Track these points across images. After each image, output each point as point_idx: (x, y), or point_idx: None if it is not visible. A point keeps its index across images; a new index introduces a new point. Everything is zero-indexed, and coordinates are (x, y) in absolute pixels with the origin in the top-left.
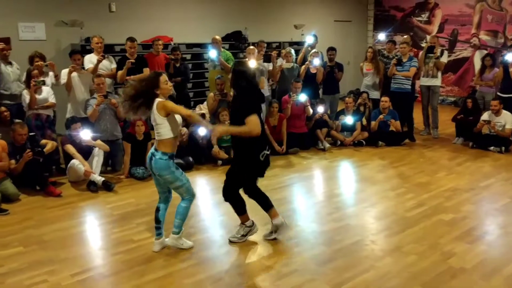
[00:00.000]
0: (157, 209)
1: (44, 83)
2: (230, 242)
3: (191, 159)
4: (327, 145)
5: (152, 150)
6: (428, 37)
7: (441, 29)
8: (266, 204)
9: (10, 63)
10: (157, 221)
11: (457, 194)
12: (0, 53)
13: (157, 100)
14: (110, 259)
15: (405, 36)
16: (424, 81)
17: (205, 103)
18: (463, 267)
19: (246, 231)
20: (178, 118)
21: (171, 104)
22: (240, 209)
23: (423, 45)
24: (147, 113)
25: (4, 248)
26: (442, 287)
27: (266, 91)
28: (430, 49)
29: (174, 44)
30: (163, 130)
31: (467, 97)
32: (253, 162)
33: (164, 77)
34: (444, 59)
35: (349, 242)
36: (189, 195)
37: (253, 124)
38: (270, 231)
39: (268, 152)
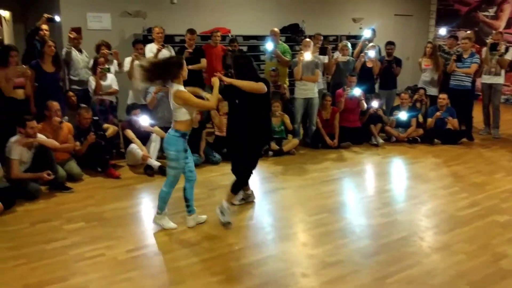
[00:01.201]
0: (184, 189)
1: (109, 70)
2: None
3: None
4: (381, 140)
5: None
6: (493, 32)
7: (509, 24)
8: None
9: (80, 51)
10: (186, 199)
11: None
12: (72, 41)
13: (177, 87)
14: (163, 239)
15: (468, 32)
16: (485, 79)
17: None
18: None
19: (245, 196)
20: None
21: (188, 96)
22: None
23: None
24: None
25: (69, 223)
26: None
27: (320, 84)
28: (494, 46)
29: (232, 36)
30: (179, 113)
31: None
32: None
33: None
34: (509, 56)
35: (396, 237)
36: (172, 182)
37: (262, 85)
38: (241, 198)
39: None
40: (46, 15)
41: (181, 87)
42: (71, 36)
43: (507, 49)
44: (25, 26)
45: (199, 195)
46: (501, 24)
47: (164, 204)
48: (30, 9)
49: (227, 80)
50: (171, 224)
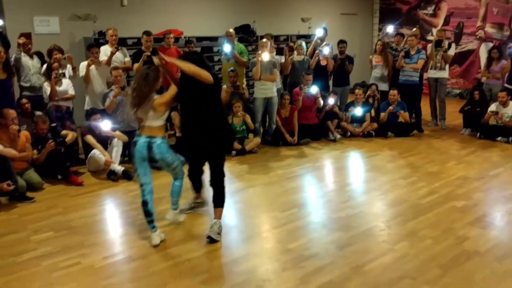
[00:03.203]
0: (145, 203)
1: (64, 75)
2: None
3: None
4: (338, 136)
5: (145, 139)
6: (434, 30)
7: (446, 22)
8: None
9: (31, 56)
10: (149, 214)
11: (468, 182)
12: (22, 47)
13: (155, 96)
14: (137, 243)
15: (414, 29)
16: (432, 73)
17: None
18: (477, 250)
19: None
20: None
21: (166, 97)
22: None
23: (429, 38)
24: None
25: (36, 233)
26: (459, 269)
27: (278, 83)
28: (438, 43)
29: (186, 37)
30: (160, 120)
31: (474, 88)
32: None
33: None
34: (452, 51)
35: (365, 227)
36: (182, 174)
37: (208, 74)
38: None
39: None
40: None
41: (157, 96)
42: (20, 41)
43: (450, 45)
44: None
45: (157, 200)
46: (439, 21)
47: (179, 198)
48: None
49: (168, 59)
50: (183, 216)
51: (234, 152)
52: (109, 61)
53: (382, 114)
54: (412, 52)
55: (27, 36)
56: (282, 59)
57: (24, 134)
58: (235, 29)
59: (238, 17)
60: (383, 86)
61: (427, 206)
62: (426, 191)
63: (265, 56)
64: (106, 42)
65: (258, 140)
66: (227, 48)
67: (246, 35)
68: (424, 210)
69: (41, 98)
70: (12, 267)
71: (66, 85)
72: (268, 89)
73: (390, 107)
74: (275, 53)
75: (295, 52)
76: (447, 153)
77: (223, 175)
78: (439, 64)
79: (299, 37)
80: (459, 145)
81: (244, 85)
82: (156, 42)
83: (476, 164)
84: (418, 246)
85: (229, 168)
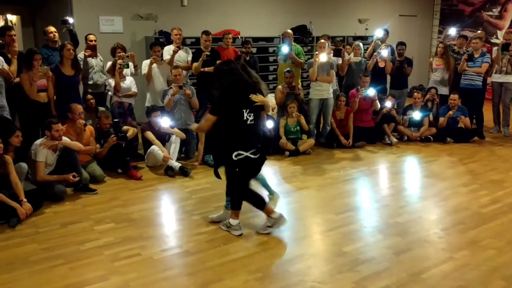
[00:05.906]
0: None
1: (127, 66)
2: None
3: None
4: (394, 139)
5: None
6: (498, 32)
7: None
8: (258, 203)
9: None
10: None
11: None
12: (89, 57)
13: None
14: (194, 238)
15: (479, 31)
16: (496, 78)
17: (273, 95)
18: None
19: (272, 222)
20: None
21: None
22: (257, 203)
23: (493, 41)
24: None
25: (98, 224)
26: None
27: (334, 84)
28: (506, 47)
29: (242, 37)
30: None
31: None
32: (228, 161)
33: None
34: None
35: (424, 234)
36: None
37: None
38: (266, 225)
39: (246, 154)
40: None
41: None
42: (86, 54)
43: None
44: (34, 30)
45: (214, 197)
46: (505, 23)
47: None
48: (39, 13)
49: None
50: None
51: (287, 153)
52: (171, 60)
53: (442, 119)
54: (476, 55)
55: (93, 48)
56: (339, 60)
57: (89, 128)
58: (291, 29)
59: (294, 17)
60: (443, 90)
61: (489, 215)
62: (489, 199)
63: (323, 57)
64: (167, 41)
65: (312, 141)
66: (285, 49)
67: (302, 35)
68: (487, 219)
69: (102, 95)
70: (77, 254)
71: (130, 82)
72: (324, 90)
73: (450, 112)
74: (332, 54)
75: (352, 53)
76: (511, 161)
77: (236, 187)
78: (504, 68)
79: (356, 38)
80: None
81: (299, 86)
82: (214, 42)
83: None
84: (480, 255)
85: (283, 168)
